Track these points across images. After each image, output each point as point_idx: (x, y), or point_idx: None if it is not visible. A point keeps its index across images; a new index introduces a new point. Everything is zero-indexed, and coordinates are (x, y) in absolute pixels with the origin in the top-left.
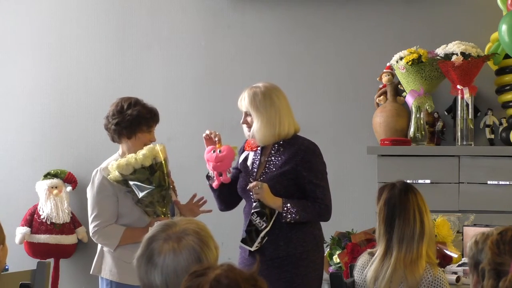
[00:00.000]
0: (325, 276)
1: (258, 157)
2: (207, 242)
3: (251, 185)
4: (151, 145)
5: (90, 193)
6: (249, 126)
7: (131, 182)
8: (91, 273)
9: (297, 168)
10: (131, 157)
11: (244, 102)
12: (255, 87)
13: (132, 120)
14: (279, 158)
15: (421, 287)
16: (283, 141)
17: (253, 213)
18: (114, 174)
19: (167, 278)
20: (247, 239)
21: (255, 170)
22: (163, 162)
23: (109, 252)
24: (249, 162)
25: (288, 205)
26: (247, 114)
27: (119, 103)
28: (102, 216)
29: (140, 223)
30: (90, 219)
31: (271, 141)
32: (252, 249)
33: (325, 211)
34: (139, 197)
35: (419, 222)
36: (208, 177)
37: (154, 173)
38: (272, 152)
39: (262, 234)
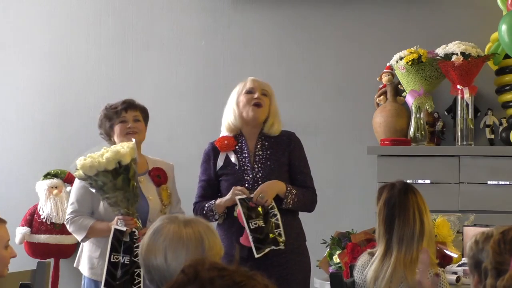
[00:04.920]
0: (325, 276)
1: (246, 153)
2: (214, 231)
3: (254, 198)
4: (116, 147)
5: (74, 183)
6: (261, 105)
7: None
8: (74, 265)
9: (290, 158)
10: (96, 158)
11: (262, 83)
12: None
13: (103, 118)
14: (268, 152)
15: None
16: (264, 136)
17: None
18: (79, 172)
19: (167, 246)
20: (259, 247)
21: (248, 167)
22: (128, 164)
23: (84, 247)
24: (234, 160)
25: (290, 187)
26: (264, 94)
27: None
28: (77, 206)
29: (106, 217)
30: (67, 208)
31: (274, 131)
32: (258, 255)
33: (315, 199)
34: (104, 195)
35: (418, 222)
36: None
37: (118, 177)
38: (258, 147)
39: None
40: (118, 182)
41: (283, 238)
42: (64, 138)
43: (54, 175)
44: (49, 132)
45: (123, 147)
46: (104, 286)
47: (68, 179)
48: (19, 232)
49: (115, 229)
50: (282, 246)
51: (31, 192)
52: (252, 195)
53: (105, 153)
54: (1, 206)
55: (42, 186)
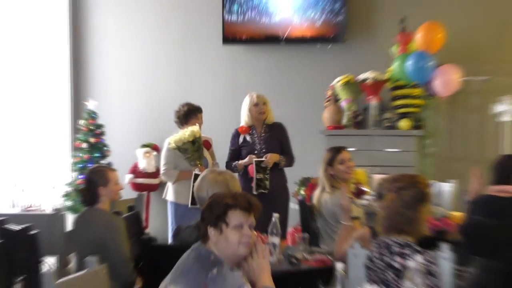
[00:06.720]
0: (297, 201)
1: (255, 136)
2: (235, 179)
3: (265, 161)
4: (192, 129)
5: (163, 151)
6: (264, 113)
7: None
8: (162, 197)
9: (281, 139)
10: (182, 134)
11: (262, 97)
12: (257, 93)
13: (184, 113)
14: (268, 135)
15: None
16: (267, 126)
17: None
18: (173, 144)
19: (208, 189)
20: (260, 187)
21: (257, 143)
22: (199, 137)
23: (171, 185)
24: (249, 139)
25: (282, 156)
26: (264, 103)
27: (177, 109)
28: (167, 165)
29: (186, 169)
30: (161, 166)
31: (270, 121)
32: (256, 192)
33: (293, 160)
34: (187, 155)
35: (324, 167)
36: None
37: (195, 144)
38: (263, 133)
39: (267, 182)
40: (195, 147)
41: (268, 187)
42: (153, 122)
43: (147, 145)
44: (144, 118)
45: (194, 128)
46: (190, 205)
47: (154, 148)
48: (127, 177)
49: (195, 174)
50: (266, 191)
51: (133, 155)
52: (262, 159)
53: (186, 133)
54: (118, 163)
55: (140, 151)
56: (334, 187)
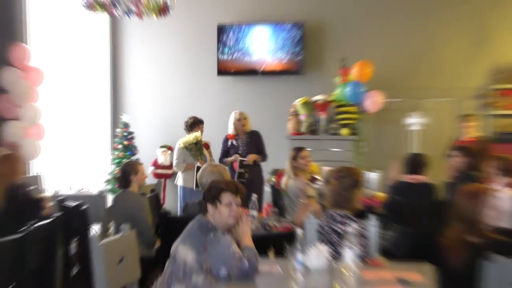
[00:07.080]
0: (268, 185)
1: (239, 141)
2: (226, 170)
3: (247, 161)
4: (195, 134)
5: (175, 150)
6: (245, 126)
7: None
8: (174, 183)
9: (258, 143)
10: (188, 138)
11: (243, 114)
12: (240, 111)
13: (190, 123)
14: (249, 140)
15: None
16: (247, 133)
17: (240, 172)
18: (181, 145)
19: (207, 177)
20: (241, 178)
21: (240, 146)
22: (200, 140)
23: (180, 174)
24: (235, 143)
25: (258, 155)
26: (245, 118)
27: (185, 120)
28: (178, 160)
29: (191, 163)
30: (174, 160)
31: (248, 130)
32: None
33: (266, 158)
34: (191, 153)
35: (290, 162)
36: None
37: (197, 145)
38: (245, 138)
39: (246, 175)
40: (197, 147)
41: (247, 178)
42: (168, 130)
43: (164, 146)
44: (162, 127)
45: (197, 134)
46: (195, 188)
47: (169, 148)
48: (150, 169)
49: (197, 166)
50: (246, 181)
51: (154, 153)
52: (245, 159)
53: (191, 137)
54: (144, 159)
55: (159, 150)
56: (296, 175)
